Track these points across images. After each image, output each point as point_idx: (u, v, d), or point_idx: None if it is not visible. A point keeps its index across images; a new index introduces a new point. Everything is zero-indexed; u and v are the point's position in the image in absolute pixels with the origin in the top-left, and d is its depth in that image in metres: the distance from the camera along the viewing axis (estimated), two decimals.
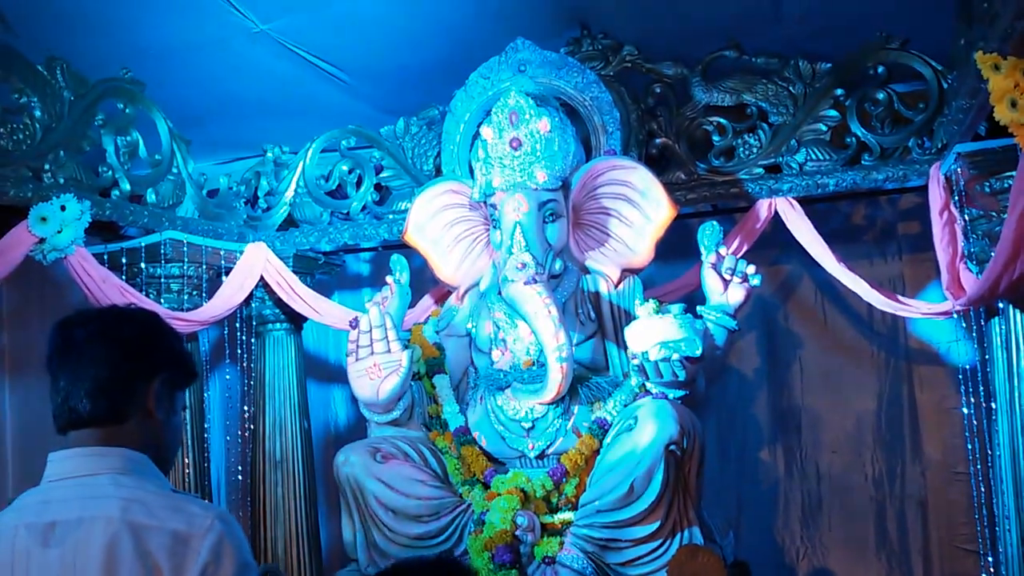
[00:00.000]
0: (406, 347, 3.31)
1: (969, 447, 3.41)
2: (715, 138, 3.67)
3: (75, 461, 1.62)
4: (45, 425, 1.69)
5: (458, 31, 3.60)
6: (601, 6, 3.60)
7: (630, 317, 3.26)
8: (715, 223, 3.33)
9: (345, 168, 3.98)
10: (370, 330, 3.24)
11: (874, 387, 4.06)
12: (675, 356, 2.97)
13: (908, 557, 3.97)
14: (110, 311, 1.81)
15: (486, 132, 3.26)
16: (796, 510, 4.11)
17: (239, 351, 4.02)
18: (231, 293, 3.79)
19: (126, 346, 1.67)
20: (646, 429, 2.94)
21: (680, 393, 3.12)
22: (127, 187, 3.55)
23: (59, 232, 3.25)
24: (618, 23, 3.68)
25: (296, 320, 4.07)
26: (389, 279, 3.60)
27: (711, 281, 3.26)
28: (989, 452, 3.28)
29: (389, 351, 3.23)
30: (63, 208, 3.24)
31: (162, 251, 3.66)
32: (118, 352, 1.66)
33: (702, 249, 3.29)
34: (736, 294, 3.24)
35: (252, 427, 4.06)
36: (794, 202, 3.55)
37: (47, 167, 3.32)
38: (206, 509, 1.60)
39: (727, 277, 3.25)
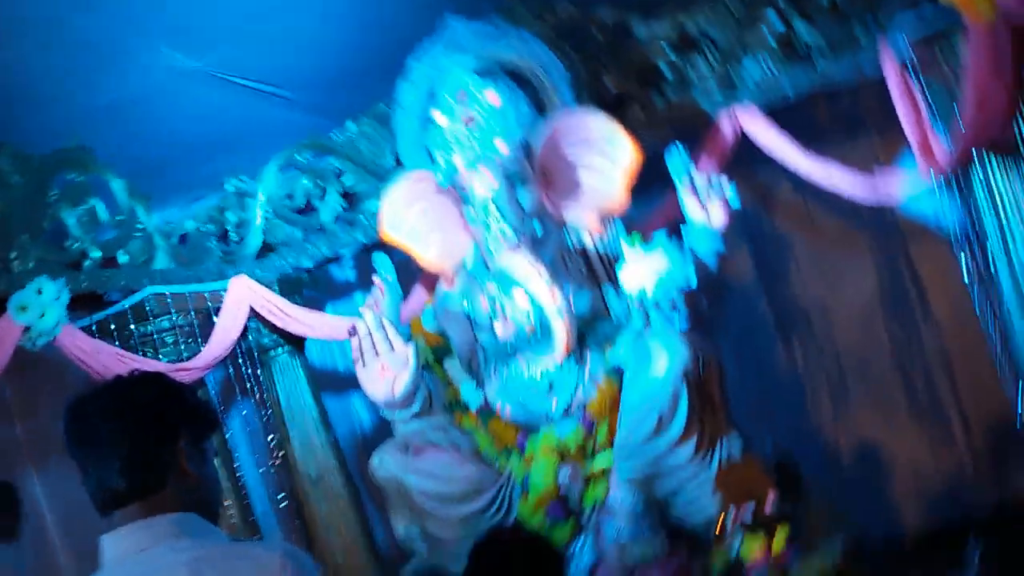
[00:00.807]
0: (408, 341, 3.33)
1: (978, 309, 3.45)
2: (665, 70, 3.63)
3: (128, 539, 1.61)
4: (83, 505, 1.68)
5: (389, 24, 3.56)
6: None
7: (619, 259, 3.27)
8: (679, 145, 3.33)
9: (307, 182, 3.93)
10: (369, 334, 3.26)
11: (872, 269, 4.10)
12: (672, 289, 3.02)
13: (942, 415, 4.04)
14: (116, 384, 1.79)
15: (438, 117, 3.26)
16: (824, 395, 4.16)
17: (248, 384, 3.99)
18: (224, 332, 3.77)
19: (142, 416, 1.66)
20: (660, 362, 3.00)
21: (684, 322, 3.14)
22: (97, 254, 3.51)
23: (42, 316, 3.22)
24: None
25: (296, 341, 4.05)
26: (376, 280, 3.60)
27: (691, 205, 3.27)
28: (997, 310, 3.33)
29: (393, 349, 3.25)
30: (39, 292, 3.21)
31: (147, 308, 3.62)
32: (136, 424, 1.65)
33: (674, 177, 3.30)
34: (716, 214, 3.25)
35: (282, 453, 4.07)
36: (755, 110, 3.53)
37: (13, 256, 3.28)
38: (269, 549, 1.61)
39: (705, 199, 3.26)
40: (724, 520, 2.85)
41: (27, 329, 3.22)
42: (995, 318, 3.38)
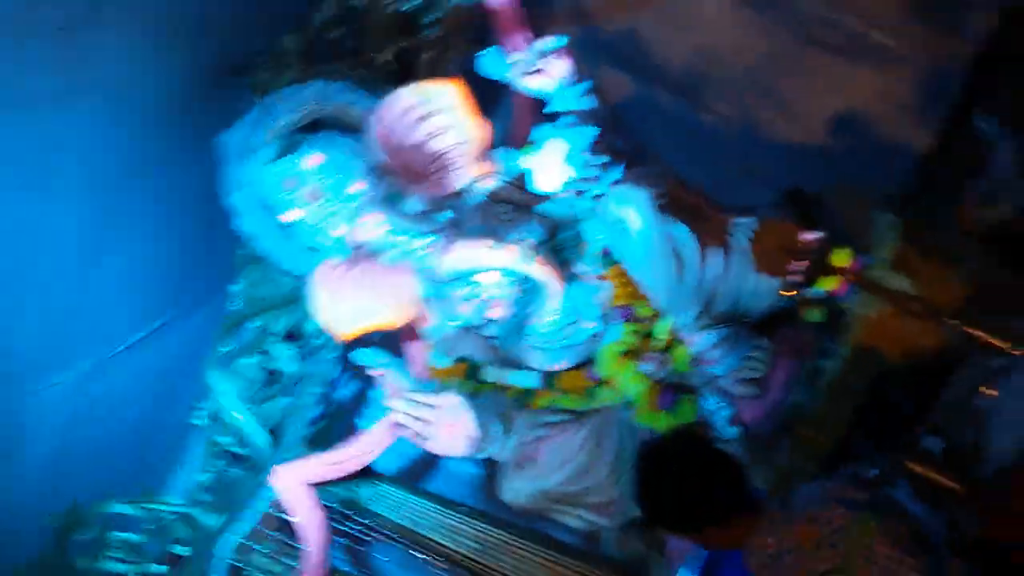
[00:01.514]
0: (442, 389, 3.30)
1: None
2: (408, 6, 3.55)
3: None
4: None
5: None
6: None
7: (526, 178, 3.21)
8: (484, 51, 3.25)
9: (253, 361, 3.82)
10: (410, 415, 3.23)
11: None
12: (581, 155, 2.98)
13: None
14: None
15: (290, 216, 3.21)
16: (767, 119, 4.02)
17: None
18: (310, 523, 3.67)
19: None
20: (631, 218, 2.96)
21: (617, 171, 3.09)
22: None
23: None
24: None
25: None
26: (373, 372, 3.53)
27: (534, 84, 3.19)
28: None
29: (437, 407, 3.22)
30: None
31: None
32: None
33: (500, 77, 3.23)
34: (558, 67, 3.17)
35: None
36: None
37: None
38: None
39: (541, 69, 3.18)
40: (788, 288, 2.81)
41: None
42: None
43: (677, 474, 2.11)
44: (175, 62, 3.23)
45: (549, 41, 3.17)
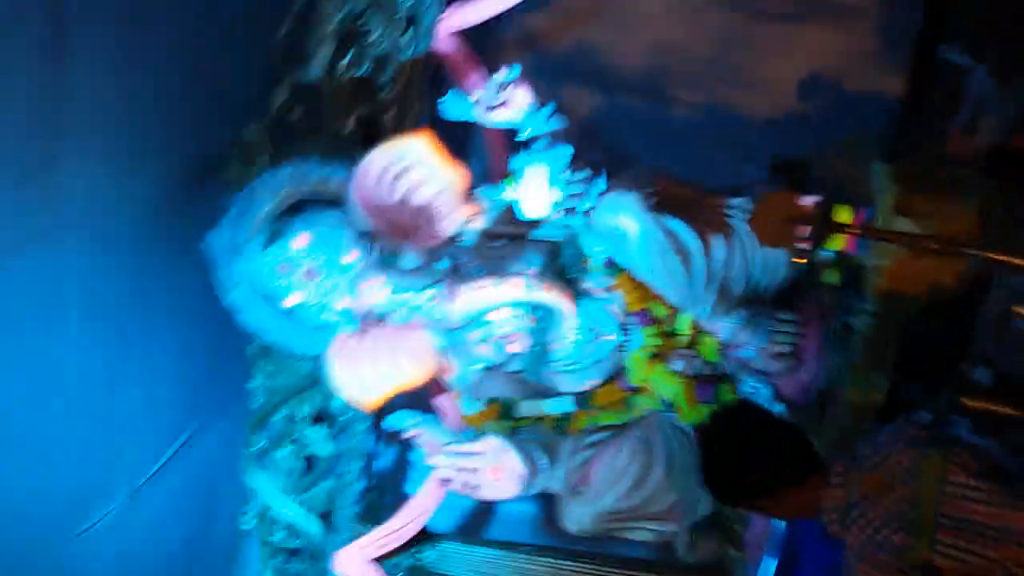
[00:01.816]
0: (479, 436, 3.27)
1: None
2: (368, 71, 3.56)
3: None
4: None
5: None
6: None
7: (515, 209, 3.21)
8: (444, 97, 3.27)
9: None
10: (455, 468, 3.20)
11: None
12: (562, 176, 2.97)
13: None
14: None
15: (291, 300, 3.19)
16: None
17: None
18: None
19: None
20: (628, 225, 2.96)
21: (603, 181, 3.09)
22: None
23: None
24: None
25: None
26: (409, 434, 3.50)
27: (501, 117, 3.20)
28: None
29: (480, 454, 3.20)
30: None
31: None
32: None
33: (466, 117, 3.24)
34: (520, 98, 3.18)
35: None
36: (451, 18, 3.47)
37: None
38: None
39: (499, 102, 3.19)
40: (798, 256, 2.80)
41: None
42: None
43: (739, 444, 2.10)
44: (145, 178, 3.22)
45: (504, 73, 3.19)
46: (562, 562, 3.51)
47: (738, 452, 2.06)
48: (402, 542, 3.68)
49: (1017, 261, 2.33)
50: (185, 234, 3.39)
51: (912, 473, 1.95)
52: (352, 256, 3.14)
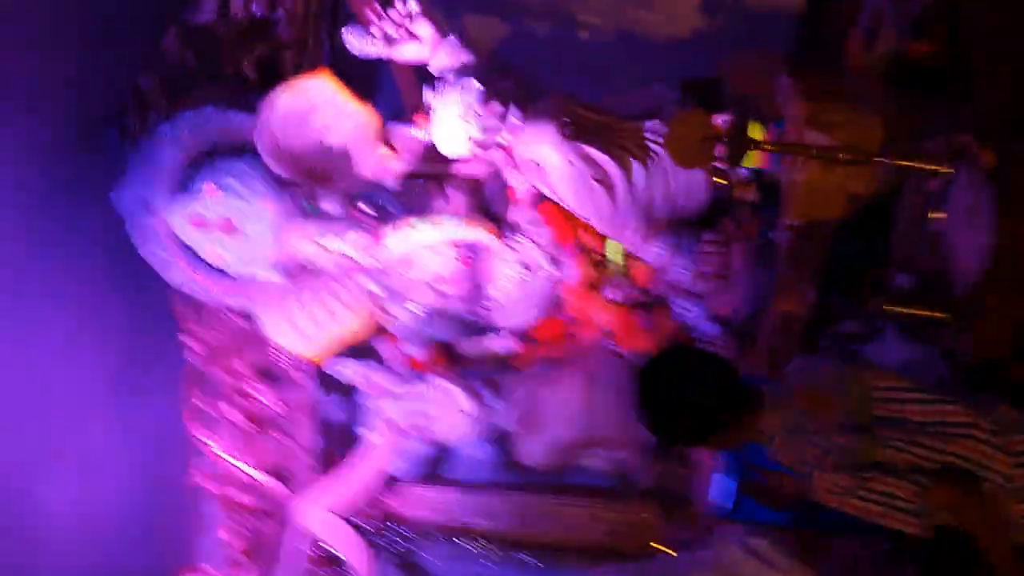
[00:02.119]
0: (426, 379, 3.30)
1: None
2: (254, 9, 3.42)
3: None
4: None
5: None
6: None
7: (430, 145, 3.17)
8: (344, 32, 3.18)
9: None
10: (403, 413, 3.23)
11: None
12: (474, 110, 2.94)
13: None
14: None
15: (215, 254, 3.09)
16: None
17: None
18: None
19: None
20: (546, 156, 2.95)
21: (516, 112, 3.08)
22: None
23: None
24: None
25: None
26: (357, 382, 3.48)
27: (406, 52, 3.15)
28: None
29: (426, 395, 3.25)
30: None
31: None
32: None
33: (365, 51, 3.16)
34: (422, 31, 3.12)
35: None
36: None
37: None
38: None
39: (401, 35, 3.12)
40: (716, 175, 2.86)
41: None
42: None
43: (673, 388, 2.10)
44: (40, 131, 3.08)
45: (403, 6, 3.11)
46: (523, 496, 3.55)
47: (674, 397, 2.07)
48: (363, 491, 3.68)
49: (922, 165, 2.43)
50: (89, 188, 3.26)
51: (839, 385, 2.04)
52: (268, 204, 3.06)
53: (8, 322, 3.07)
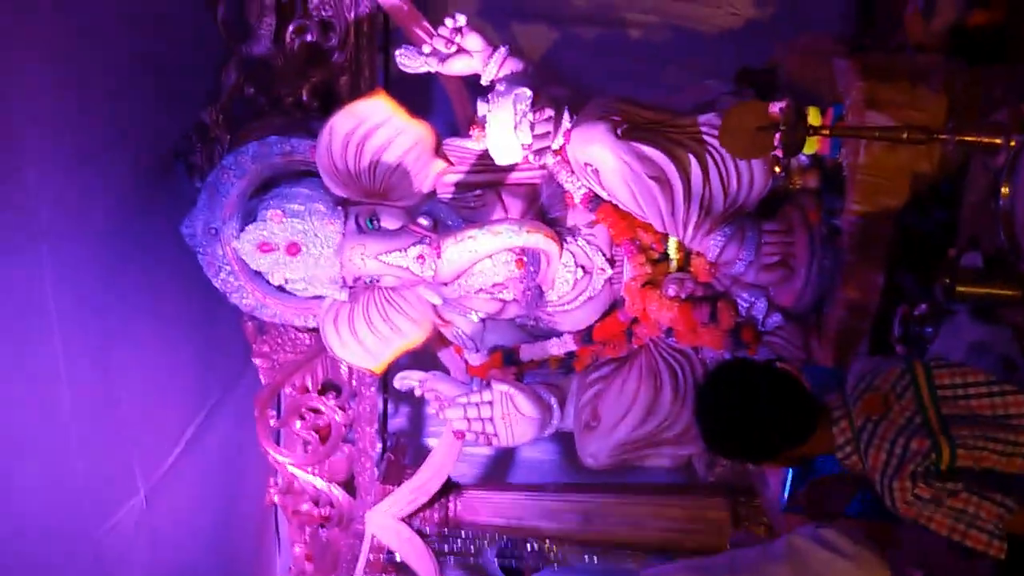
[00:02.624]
0: (486, 386, 3.30)
1: None
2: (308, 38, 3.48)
3: None
4: None
5: None
6: None
7: (487, 153, 3.16)
8: (396, 52, 3.22)
9: None
10: (468, 421, 3.22)
11: None
12: (527, 118, 2.93)
13: None
14: None
15: (281, 277, 3.15)
16: None
17: None
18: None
19: None
20: (600, 158, 2.91)
21: (567, 117, 3.08)
22: None
23: None
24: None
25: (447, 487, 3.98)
26: (418, 393, 3.52)
27: (458, 66, 3.17)
28: None
29: (491, 403, 3.23)
30: None
31: None
32: None
33: (419, 69, 3.19)
34: (472, 44, 3.14)
35: None
36: None
37: None
38: None
39: (451, 50, 3.14)
40: (775, 164, 2.80)
41: None
42: None
43: (735, 411, 2.05)
44: (109, 175, 3.19)
45: (452, 21, 3.14)
46: (586, 498, 3.55)
47: (737, 417, 2.04)
48: (428, 497, 3.72)
49: (987, 139, 2.35)
50: (160, 224, 3.37)
51: (903, 386, 1.98)
52: (330, 226, 3.10)
53: (93, 353, 3.19)
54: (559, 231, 3.18)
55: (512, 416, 3.23)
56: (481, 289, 3.19)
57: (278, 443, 3.88)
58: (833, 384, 2.17)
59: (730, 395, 2.08)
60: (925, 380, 1.97)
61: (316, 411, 3.70)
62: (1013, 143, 2.26)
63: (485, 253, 3.07)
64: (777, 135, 2.44)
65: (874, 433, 1.97)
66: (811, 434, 2.05)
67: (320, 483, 3.75)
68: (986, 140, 2.33)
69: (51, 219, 2.91)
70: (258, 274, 3.26)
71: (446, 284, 3.16)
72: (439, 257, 3.06)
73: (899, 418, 1.96)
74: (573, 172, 3.13)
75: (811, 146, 2.75)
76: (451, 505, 3.74)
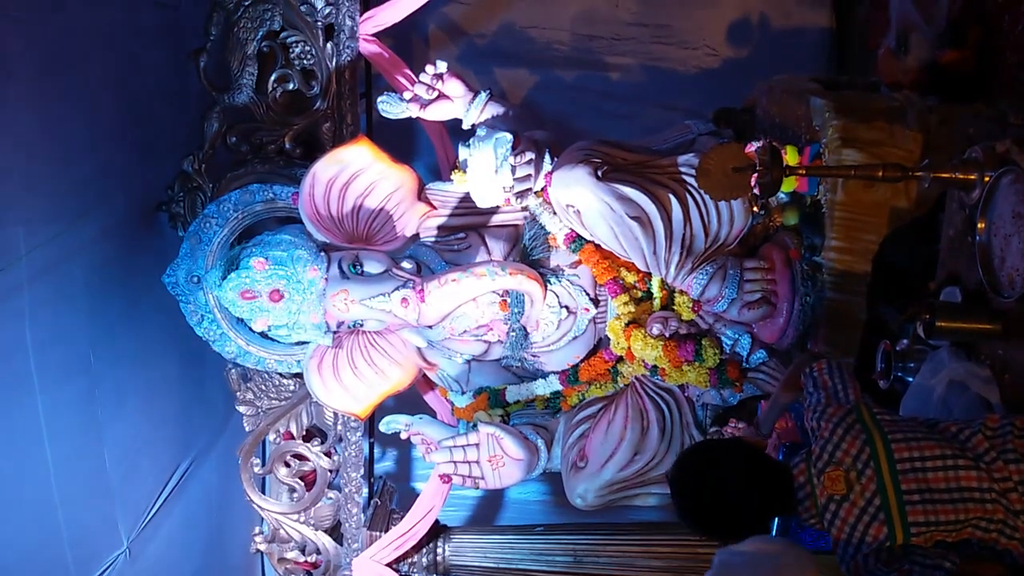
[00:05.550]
0: (473, 428, 3.29)
1: None
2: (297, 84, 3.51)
3: None
4: None
5: None
6: None
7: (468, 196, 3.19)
8: (378, 100, 3.25)
9: None
10: (454, 463, 3.21)
11: None
12: (507, 161, 2.96)
13: None
14: None
15: (257, 325, 3.13)
16: None
17: None
18: None
19: None
20: (581, 200, 2.91)
21: (548, 159, 3.11)
22: None
23: None
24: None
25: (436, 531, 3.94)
26: (405, 436, 3.51)
27: (440, 112, 3.20)
28: None
29: (476, 445, 3.21)
30: None
31: None
32: None
33: (401, 115, 3.22)
34: (453, 90, 3.17)
35: None
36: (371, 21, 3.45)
37: None
38: None
39: (432, 96, 3.17)
40: (753, 203, 2.82)
41: None
42: None
43: (705, 494, 2.11)
44: (92, 228, 3.19)
45: (433, 67, 3.17)
46: (574, 538, 3.53)
47: (707, 499, 2.09)
48: (415, 541, 3.69)
49: (963, 176, 2.37)
50: (143, 275, 3.38)
51: (863, 462, 2.01)
52: (313, 272, 3.10)
53: (75, 407, 3.17)
54: (542, 272, 3.19)
55: (499, 458, 3.21)
56: (466, 331, 3.20)
57: (263, 490, 3.84)
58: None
59: (695, 472, 2.14)
60: (885, 456, 2.01)
61: (301, 457, 3.66)
62: (987, 179, 2.28)
63: (469, 296, 3.08)
64: (754, 175, 2.45)
65: (836, 514, 2.03)
66: (784, 511, 2.13)
67: (306, 530, 3.72)
68: (961, 176, 2.35)
69: (35, 271, 2.91)
70: (241, 321, 3.26)
71: (430, 327, 3.16)
72: (423, 300, 3.06)
73: (860, 499, 2.00)
74: (555, 213, 3.14)
75: (789, 184, 2.76)
76: (439, 549, 3.72)
